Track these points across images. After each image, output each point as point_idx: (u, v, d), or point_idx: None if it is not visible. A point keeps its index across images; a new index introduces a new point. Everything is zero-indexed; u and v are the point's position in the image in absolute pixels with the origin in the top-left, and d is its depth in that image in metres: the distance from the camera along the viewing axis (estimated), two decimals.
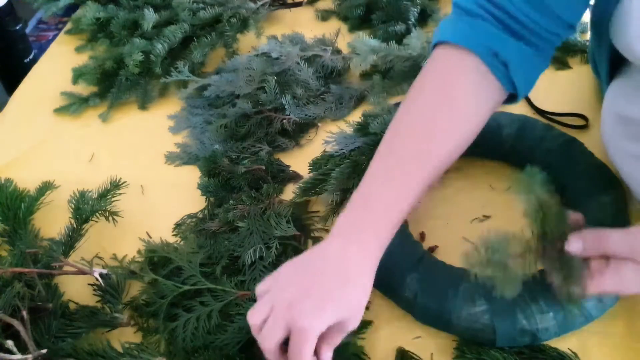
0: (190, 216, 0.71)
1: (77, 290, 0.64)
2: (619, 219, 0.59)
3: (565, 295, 0.47)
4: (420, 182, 0.53)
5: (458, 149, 0.56)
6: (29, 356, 0.53)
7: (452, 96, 0.55)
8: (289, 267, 0.50)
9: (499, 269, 0.46)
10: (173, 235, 0.70)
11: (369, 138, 0.66)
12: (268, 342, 0.46)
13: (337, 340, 0.48)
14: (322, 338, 0.46)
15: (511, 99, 0.60)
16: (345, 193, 0.64)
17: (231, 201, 0.68)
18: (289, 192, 0.72)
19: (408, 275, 0.57)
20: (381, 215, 0.51)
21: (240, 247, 0.63)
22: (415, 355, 0.56)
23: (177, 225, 0.71)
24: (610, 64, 0.61)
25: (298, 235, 0.63)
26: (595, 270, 0.46)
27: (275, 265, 0.58)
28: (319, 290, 0.47)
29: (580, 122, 0.76)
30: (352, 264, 0.49)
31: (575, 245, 0.47)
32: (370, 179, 0.54)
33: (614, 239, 0.46)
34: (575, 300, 0.47)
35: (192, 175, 0.76)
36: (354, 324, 0.48)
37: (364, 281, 0.49)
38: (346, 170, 0.62)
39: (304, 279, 0.48)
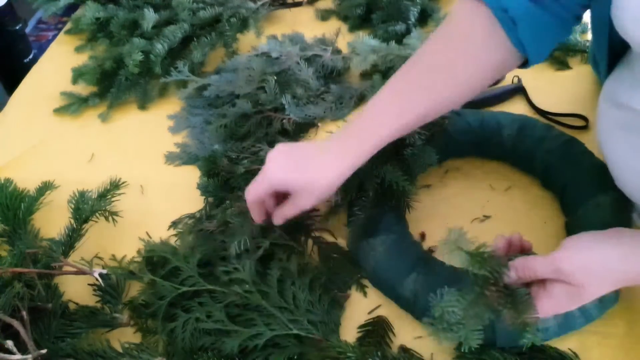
0: (189, 216, 0.71)
1: (77, 290, 0.64)
2: (619, 219, 0.59)
3: (520, 326, 0.48)
4: (415, 109, 0.57)
5: (460, 90, 0.58)
6: (29, 356, 0.52)
7: (462, 37, 0.57)
8: (282, 145, 0.59)
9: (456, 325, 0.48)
10: (168, 229, 0.70)
11: None
12: (248, 194, 0.58)
13: (289, 211, 0.58)
14: (279, 206, 0.59)
15: (525, 64, 0.60)
16: (345, 193, 0.64)
17: (227, 201, 0.68)
18: None
19: (408, 275, 0.57)
20: (370, 126, 0.57)
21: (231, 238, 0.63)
22: (417, 353, 0.56)
23: (174, 223, 0.71)
24: (610, 57, 0.61)
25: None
26: (534, 297, 0.49)
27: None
28: (294, 158, 0.57)
29: (581, 122, 0.76)
30: (330, 155, 0.57)
31: (510, 275, 0.49)
32: (373, 98, 0.58)
33: (538, 263, 0.49)
34: (530, 327, 0.48)
35: (191, 175, 0.76)
36: (305, 202, 0.57)
37: (330, 173, 0.56)
38: None
39: (290, 151, 0.58)
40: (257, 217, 0.61)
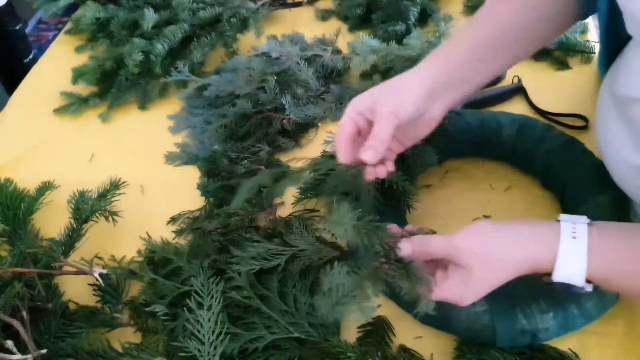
0: (188, 216, 0.71)
1: (77, 290, 0.64)
2: (619, 218, 0.59)
3: (412, 298, 0.49)
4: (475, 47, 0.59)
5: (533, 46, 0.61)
6: (29, 356, 0.52)
7: None
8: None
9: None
10: (167, 224, 0.71)
11: None
12: (337, 129, 0.56)
13: (376, 135, 0.54)
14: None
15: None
16: (345, 193, 0.64)
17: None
18: (289, 193, 0.72)
19: None
20: (447, 49, 0.60)
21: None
22: (417, 353, 0.56)
23: (173, 219, 0.71)
24: (609, 49, 0.62)
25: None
26: (435, 280, 0.51)
27: None
28: (377, 87, 0.57)
29: (581, 122, 0.76)
30: (410, 74, 0.58)
31: (404, 248, 0.51)
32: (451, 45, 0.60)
33: (434, 240, 0.50)
34: (421, 302, 0.49)
35: (191, 175, 0.76)
36: (387, 119, 0.54)
37: (412, 86, 0.56)
38: None
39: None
40: (343, 154, 0.56)
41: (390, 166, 0.59)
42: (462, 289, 0.49)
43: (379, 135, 0.54)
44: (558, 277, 0.47)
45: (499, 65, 0.61)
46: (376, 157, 0.54)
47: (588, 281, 0.47)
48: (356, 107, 0.56)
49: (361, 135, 0.56)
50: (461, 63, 0.58)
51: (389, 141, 0.54)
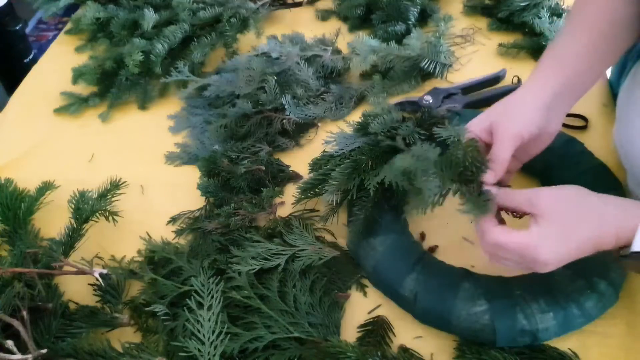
0: (188, 216, 0.71)
1: (77, 290, 0.64)
2: None
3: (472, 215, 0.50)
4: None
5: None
6: (29, 356, 0.52)
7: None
8: None
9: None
10: (167, 224, 0.71)
11: (369, 138, 0.66)
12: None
13: (496, 152, 0.54)
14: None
15: None
16: (345, 193, 0.64)
17: (232, 204, 0.68)
18: (290, 193, 0.72)
19: (408, 275, 0.58)
20: (554, 64, 0.59)
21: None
22: (417, 353, 0.56)
23: (173, 219, 0.71)
24: None
25: None
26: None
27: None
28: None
29: (581, 122, 0.76)
30: (524, 90, 0.58)
31: (489, 175, 0.52)
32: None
33: (518, 192, 0.51)
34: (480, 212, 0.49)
35: (192, 175, 0.76)
36: (527, 131, 0.54)
37: (529, 103, 0.56)
38: (346, 171, 0.62)
39: None
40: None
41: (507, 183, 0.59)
42: (541, 237, 0.47)
43: (499, 158, 0.53)
44: (637, 245, 0.45)
45: (608, 62, 0.60)
46: (495, 179, 0.53)
47: None
48: (474, 129, 0.56)
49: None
50: (574, 73, 0.57)
51: (507, 163, 0.53)
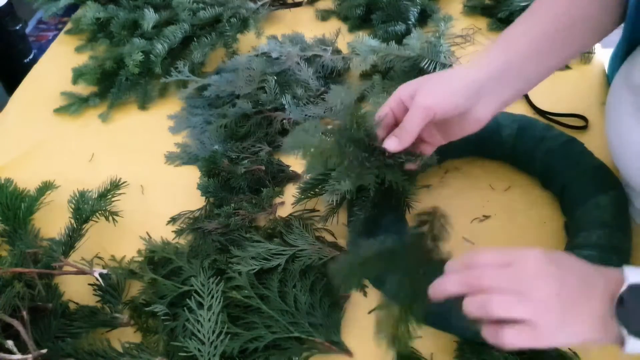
0: (188, 216, 0.71)
1: (77, 290, 0.64)
2: (619, 219, 0.59)
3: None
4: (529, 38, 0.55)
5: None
6: (29, 356, 0.53)
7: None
8: None
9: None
10: (167, 224, 0.71)
11: None
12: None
13: (410, 117, 0.52)
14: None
15: None
16: (345, 193, 0.64)
17: (232, 204, 0.68)
18: (290, 193, 0.72)
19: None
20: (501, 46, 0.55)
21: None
22: (417, 352, 0.56)
23: (173, 219, 0.71)
24: (629, 41, 0.60)
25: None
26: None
27: None
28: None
29: (580, 122, 0.76)
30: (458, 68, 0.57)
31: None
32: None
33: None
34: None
35: (192, 175, 0.76)
36: (424, 99, 0.52)
37: (455, 79, 0.54)
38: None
39: None
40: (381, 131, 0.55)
41: (426, 154, 0.58)
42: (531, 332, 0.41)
43: (406, 126, 0.52)
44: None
45: (558, 59, 0.57)
46: (398, 147, 0.52)
47: None
48: (399, 93, 0.54)
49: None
50: (518, 57, 0.54)
51: (416, 133, 0.52)
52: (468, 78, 0.52)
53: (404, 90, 0.54)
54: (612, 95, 0.62)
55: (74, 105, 0.90)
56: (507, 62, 0.53)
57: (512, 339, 0.41)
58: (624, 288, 0.41)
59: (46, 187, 0.74)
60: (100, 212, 0.70)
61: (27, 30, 2.03)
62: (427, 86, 0.53)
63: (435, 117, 0.52)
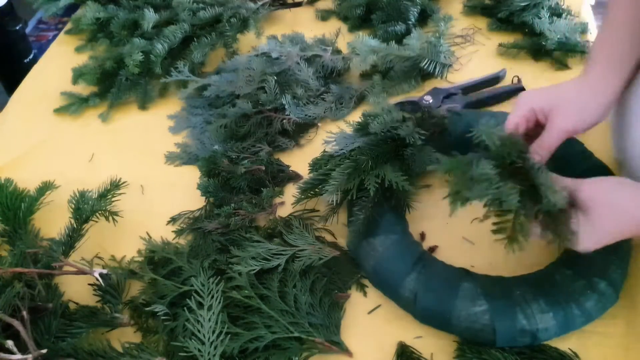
0: (188, 216, 0.71)
1: (77, 290, 0.64)
2: None
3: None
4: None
5: None
6: (29, 356, 0.52)
7: None
8: None
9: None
10: (167, 224, 0.71)
11: (369, 138, 0.66)
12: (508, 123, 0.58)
13: (546, 138, 0.57)
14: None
15: None
16: (345, 193, 0.64)
17: (232, 204, 0.68)
18: (290, 193, 0.72)
19: (408, 275, 0.58)
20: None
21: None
22: (416, 351, 0.56)
23: (173, 219, 0.71)
24: None
25: None
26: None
27: None
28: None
29: None
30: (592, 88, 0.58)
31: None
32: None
33: (563, 178, 0.53)
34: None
35: (192, 175, 0.76)
36: (561, 120, 0.56)
37: (591, 103, 0.57)
38: (346, 170, 0.62)
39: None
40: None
41: None
42: (582, 233, 0.49)
43: (547, 146, 0.56)
44: None
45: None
46: (541, 163, 0.55)
47: None
48: (531, 104, 0.57)
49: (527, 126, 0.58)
50: (630, 72, 0.57)
51: (553, 152, 0.56)
52: (600, 103, 0.57)
53: (536, 103, 0.57)
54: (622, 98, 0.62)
55: (74, 105, 0.90)
56: (622, 84, 0.57)
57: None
58: None
59: (46, 187, 0.74)
60: (100, 212, 0.70)
61: (27, 30, 2.03)
62: (563, 107, 0.56)
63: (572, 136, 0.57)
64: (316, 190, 0.67)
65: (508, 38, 0.91)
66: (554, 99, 0.57)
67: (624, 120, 0.61)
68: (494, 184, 0.48)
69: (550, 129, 0.56)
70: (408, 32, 0.92)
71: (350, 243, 0.65)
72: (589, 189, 0.50)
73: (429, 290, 0.56)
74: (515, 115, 0.57)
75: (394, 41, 0.86)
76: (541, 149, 0.56)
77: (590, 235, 0.49)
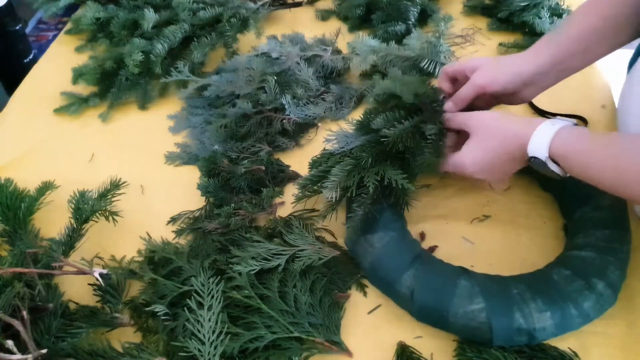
0: (188, 216, 0.71)
1: (77, 290, 0.64)
2: (619, 220, 0.59)
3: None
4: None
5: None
6: (29, 356, 0.52)
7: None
8: None
9: None
10: (167, 224, 0.71)
11: (370, 136, 0.66)
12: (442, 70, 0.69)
13: (465, 90, 0.64)
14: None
15: None
16: (345, 190, 0.64)
17: (232, 204, 0.68)
18: (290, 193, 0.72)
19: (405, 272, 0.57)
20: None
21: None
22: (416, 351, 0.56)
23: (173, 219, 0.71)
24: None
25: None
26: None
27: None
28: None
29: (580, 123, 0.76)
30: (518, 57, 0.65)
31: (447, 104, 0.64)
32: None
33: (461, 113, 0.63)
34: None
35: (192, 175, 0.76)
36: (481, 76, 0.64)
37: (510, 67, 0.64)
38: (346, 168, 0.62)
39: None
40: (439, 83, 0.68)
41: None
42: (466, 149, 0.59)
43: (460, 96, 0.64)
44: (530, 149, 0.54)
45: (597, 54, 0.64)
46: (453, 109, 0.65)
47: (554, 161, 0.53)
48: (467, 64, 0.65)
49: (458, 81, 0.67)
50: (568, 54, 0.62)
51: (467, 102, 0.64)
52: (518, 68, 0.63)
53: (470, 63, 0.65)
54: (628, 89, 0.65)
55: (74, 105, 0.90)
56: (557, 59, 0.62)
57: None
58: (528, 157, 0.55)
59: (46, 187, 0.74)
60: (100, 212, 0.70)
61: (27, 30, 2.03)
62: (485, 67, 0.64)
63: (486, 93, 0.63)
64: (315, 187, 0.67)
65: (508, 38, 0.91)
66: (483, 61, 0.64)
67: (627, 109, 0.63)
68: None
69: (468, 83, 0.64)
70: (408, 32, 0.92)
71: (348, 239, 0.64)
72: (478, 116, 0.60)
73: (426, 287, 0.56)
74: (449, 67, 0.67)
75: (394, 41, 0.86)
76: (457, 99, 0.64)
77: (475, 150, 0.58)
